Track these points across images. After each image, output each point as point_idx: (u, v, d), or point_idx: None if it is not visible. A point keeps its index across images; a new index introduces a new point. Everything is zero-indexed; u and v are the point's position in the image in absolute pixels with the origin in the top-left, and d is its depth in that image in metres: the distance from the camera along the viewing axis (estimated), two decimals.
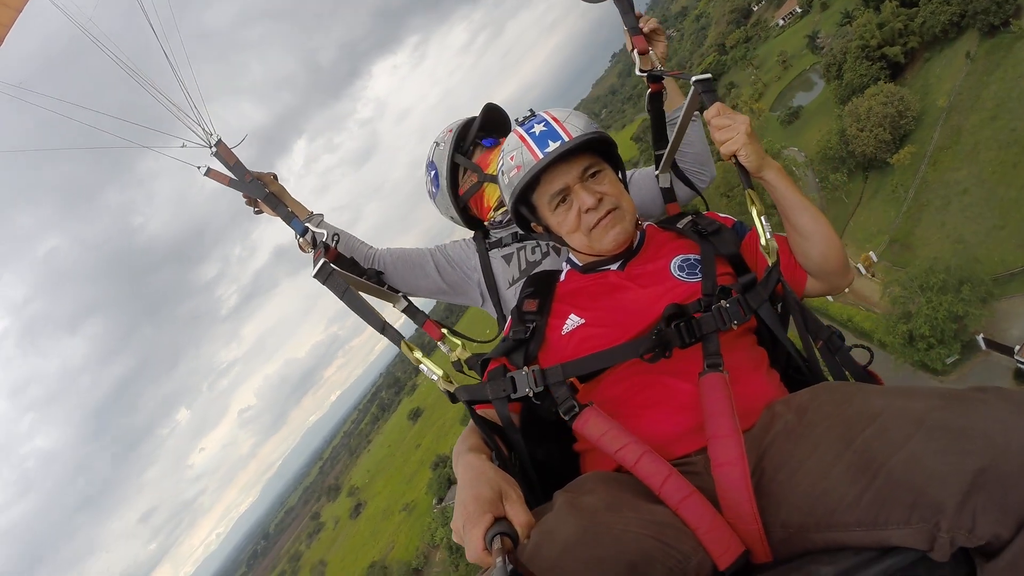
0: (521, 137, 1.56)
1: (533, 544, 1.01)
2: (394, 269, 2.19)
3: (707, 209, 1.86)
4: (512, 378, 1.42)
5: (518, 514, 1.08)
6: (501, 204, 2.13)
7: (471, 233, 2.35)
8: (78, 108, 1.83)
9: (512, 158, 1.58)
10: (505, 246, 2.18)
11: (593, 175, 1.55)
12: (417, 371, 1.63)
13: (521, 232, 2.08)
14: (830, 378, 1.43)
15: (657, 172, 1.96)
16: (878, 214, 47.05)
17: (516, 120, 1.71)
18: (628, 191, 1.67)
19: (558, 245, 1.87)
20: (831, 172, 50.15)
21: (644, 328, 1.40)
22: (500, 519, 1.06)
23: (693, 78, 1.58)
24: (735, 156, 1.48)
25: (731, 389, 1.23)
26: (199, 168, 2.01)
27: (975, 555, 0.97)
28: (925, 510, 0.94)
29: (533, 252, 2.13)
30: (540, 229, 1.68)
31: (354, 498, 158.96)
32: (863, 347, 1.48)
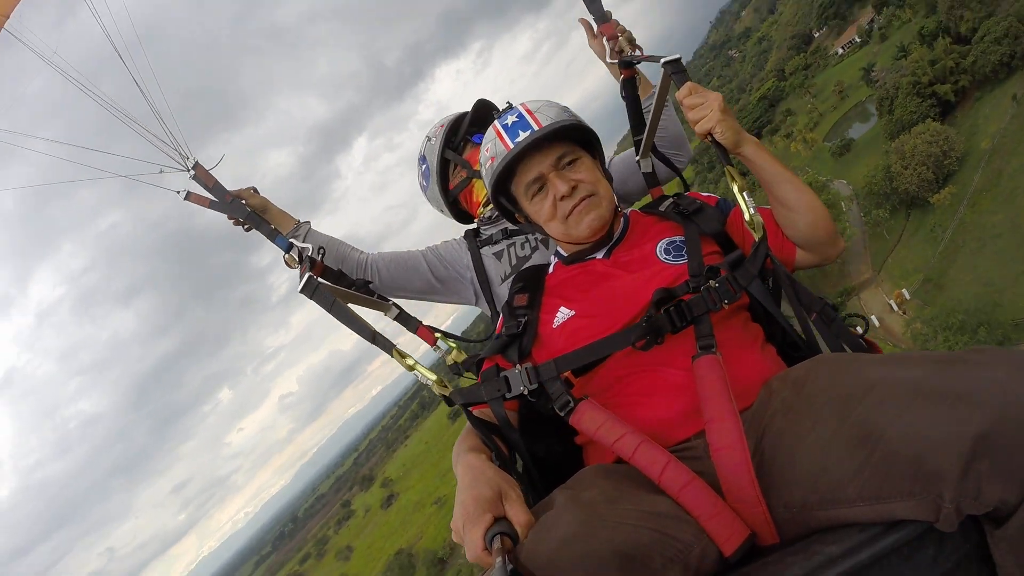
0: (496, 129, 1.59)
1: (530, 542, 1.01)
2: (387, 273, 2.23)
3: (687, 191, 1.91)
4: (506, 377, 1.43)
5: (518, 514, 1.08)
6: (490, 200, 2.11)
7: (463, 231, 2.39)
8: (49, 143, 1.87)
9: (488, 150, 1.63)
10: (496, 243, 2.21)
11: (569, 163, 1.57)
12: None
13: (511, 228, 2.15)
14: (827, 351, 1.41)
15: (637, 158, 2.01)
16: (916, 252, 48.30)
17: (494, 113, 1.78)
18: (610, 173, 1.71)
19: (546, 238, 2.01)
20: (874, 207, 51.49)
21: (634, 315, 1.40)
22: (500, 519, 1.07)
23: (662, 60, 1.62)
24: (711, 134, 1.48)
25: (726, 370, 1.23)
26: (179, 193, 2.03)
27: (984, 522, 0.94)
28: (927, 481, 0.91)
29: (523, 247, 2.16)
30: (523, 220, 1.71)
31: (387, 489, 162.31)
32: (857, 316, 1.48)
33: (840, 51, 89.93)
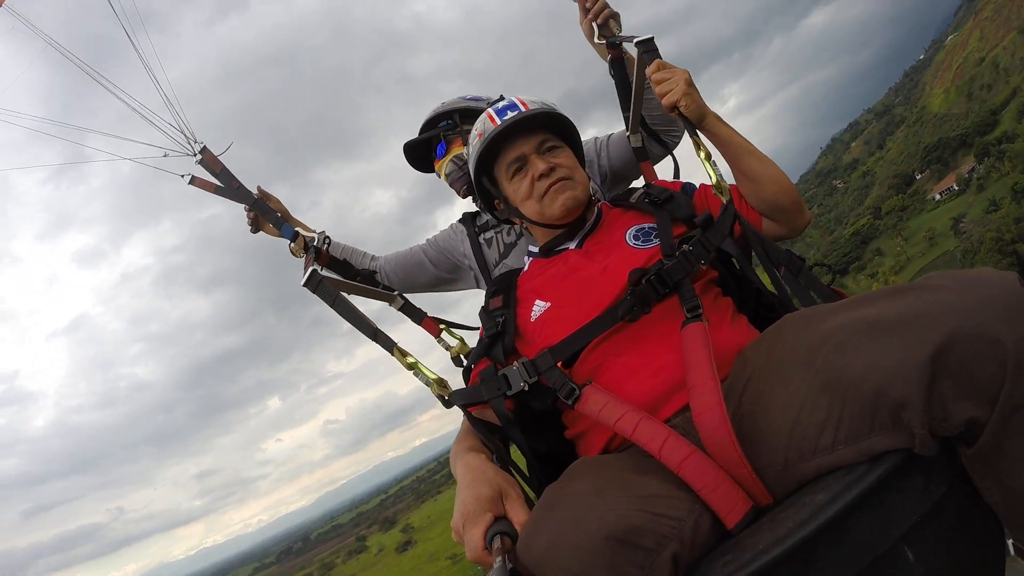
0: (488, 112, 1.69)
1: (523, 539, 1.02)
2: (395, 275, 2.28)
3: (677, 174, 2.02)
4: (505, 375, 1.45)
5: (518, 513, 1.10)
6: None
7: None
8: (57, 125, 1.90)
9: (477, 129, 1.72)
10: (489, 228, 2.25)
11: (549, 149, 1.66)
12: (463, 365, 1.72)
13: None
14: (799, 306, 1.45)
15: (628, 133, 2.06)
16: None
17: (489, 101, 1.86)
18: (587, 167, 1.82)
19: (519, 223, 2.00)
20: None
21: (610, 300, 1.44)
22: (500, 518, 1.08)
23: (635, 39, 1.71)
24: (676, 107, 1.54)
25: (710, 336, 1.26)
26: (183, 177, 2.05)
27: (957, 444, 0.94)
28: (894, 410, 0.92)
29: (509, 234, 2.21)
30: (501, 205, 1.78)
31: (406, 535, 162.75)
32: (823, 266, 1.53)
33: (937, 197, 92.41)
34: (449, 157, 2.24)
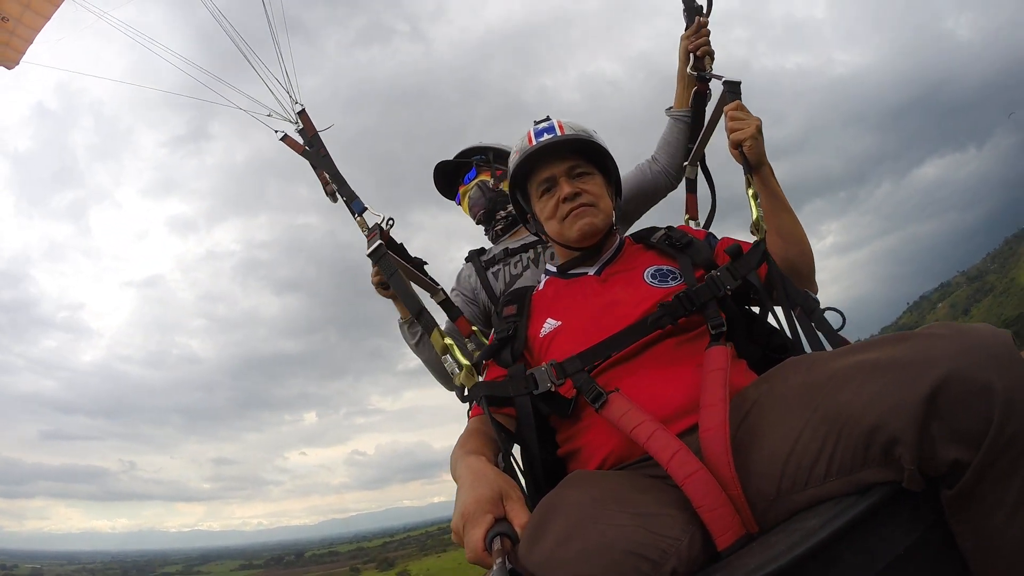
0: (528, 132, 1.81)
1: (525, 541, 1.04)
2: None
3: (710, 221, 2.25)
4: (533, 375, 1.50)
5: (518, 514, 1.12)
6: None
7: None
8: (187, 63, 2.07)
9: (516, 147, 1.84)
10: (496, 262, 2.38)
11: (580, 174, 1.76)
12: (480, 373, 1.75)
13: (510, 247, 2.37)
14: (808, 349, 1.50)
15: (686, 163, 2.29)
16: None
17: (534, 120, 1.92)
18: (621, 204, 1.93)
19: (536, 257, 2.28)
20: None
21: (622, 328, 1.50)
22: (500, 520, 1.10)
23: (724, 79, 1.90)
24: (741, 145, 1.69)
25: (730, 360, 1.32)
26: (276, 133, 2.21)
27: (940, 486, 0.99)
28: (887, 445, 0.97)
29: (515, 267, 2.32)
30: (530, 218, 1.91)
31: None
32: (835, 311, 1.56)
33: None
34: (475, 183, 2.49)
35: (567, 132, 1.76)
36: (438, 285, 2.12)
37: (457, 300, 2.37)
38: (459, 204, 2.61)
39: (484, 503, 1.12)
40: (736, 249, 1.57)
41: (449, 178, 2.59)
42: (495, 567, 0.96)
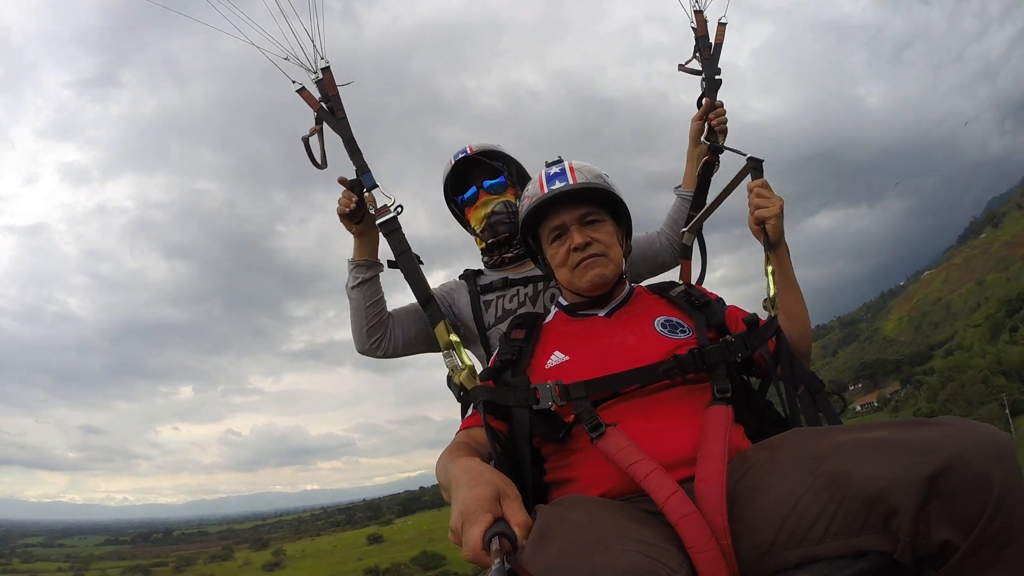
0: (540, 175, 1.84)
1: (531, 546, 1.06)
2: (409, 328, 2.25)
3: (702, 278, 2.30)
4: (536, 389, 1.52)
5: (516, 514, 1.12)
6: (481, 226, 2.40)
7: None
8: None
9: (529, 189, 1.88)
10: (493, 291, 2.33)
11: (591, 222, 1.78)
12: (459, 398, 1.78)
13: (511, 277, 2.33)
14: (804, 424, 1.55)
15: (684, 229, 2.34)
16: None
17: (546, 162, 1.91)
18: (631, 246, 1.95)
19: (535, 295, 2.27)
20: None
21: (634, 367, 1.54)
22: (499, 520, 1.10)
23: (748, 155, 1.93)
24: (764, 223, 1.73)
25: (731, 420, 1.38)
26: (294, 83, 2.13)
27: (926, 566, 1.04)
28: (886, 516, 1.03)
29: (511, 301, 2.29)
30: (541, 260, 1.94)
31: (276, 558, 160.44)
32: (837, 396, 1.64)
33: (858, 408, 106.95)
34: (504, 199, 2.37)
35: (579, 179, 1.77)
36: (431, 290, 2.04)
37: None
38: (464, 204, 2.43)
39: (484, 502, 1.12)
40: (754, 319, 1.62)
41: (462, 175, 2.42)
42: (494, 567, 0.96)
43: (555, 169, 1.83)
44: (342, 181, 2.10)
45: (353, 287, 2.16)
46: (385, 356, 2.24)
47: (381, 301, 2.19)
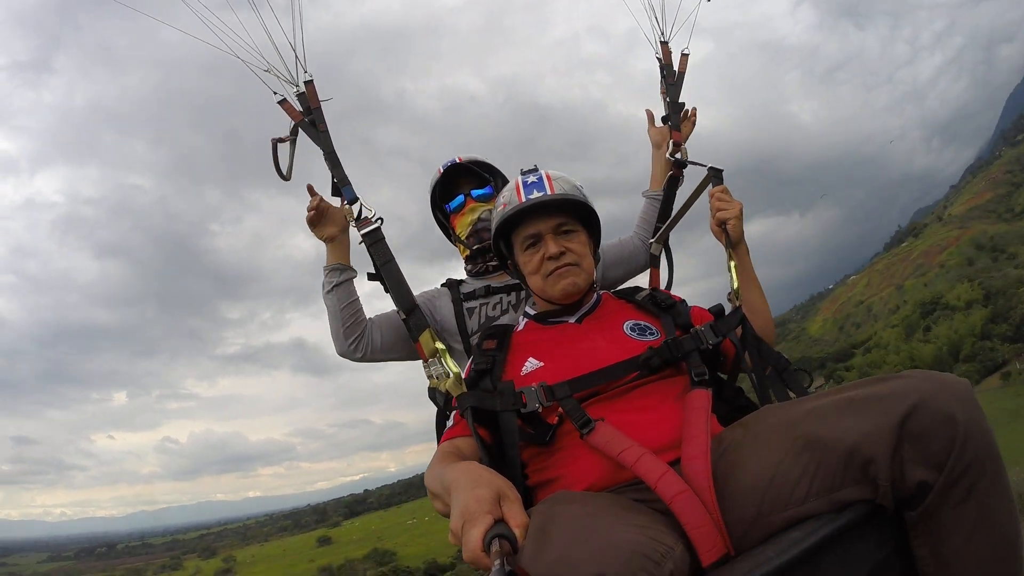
0: (516, 182, 1.87)
1: (531, 545, 1.05)
2: (381, 338, 2.26)
3: (670, 284, 2.42)
4: (521, 392, 1.54)
5: (516, 515, 1.11)
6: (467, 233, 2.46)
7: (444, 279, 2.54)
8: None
9: (504, 196, 1.90)
10: (476, 298, 2.37)
11: (565, 232, 1.83)
12: (439, 406, 1.78)
13: (493, 286, 2.37)
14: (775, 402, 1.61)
15: (652, 240, 2.44)
16: None
17: (521, 169, 1.94)
18: (600, 257, 2.02)
19: (517, 303, 2.32)
20: None
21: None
22: (499, 521, 1.10)
23: (709, 165, 2.11)
24: (725, 224, 1.90)
25: (710, 401, 1.46)
26: (275, 94, 2.10)
27: (904, 510, 1.13)
28: (864, 466, 1.11)
29: (494, 309, 2.33)
30: (512, 267, 1.97)
31: (227, 565, 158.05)
32: (803, 371, 1.69)
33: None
34: (488, 207, 2.40)
35: (557, 190, 1.81)
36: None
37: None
38: (452, 212, 2.49)
39: (484, 503, 1.11)
40: (720, 309, 1.74)
41: (448, 183, 2.48)
42: (494, 569, 0.96)
43: (532, 178, 1.86)
44: (310, 189, 2.18)
45: (328, 292, 2.23)
46: (364, 359, 2.27)
47: (356, 303, 2.25)
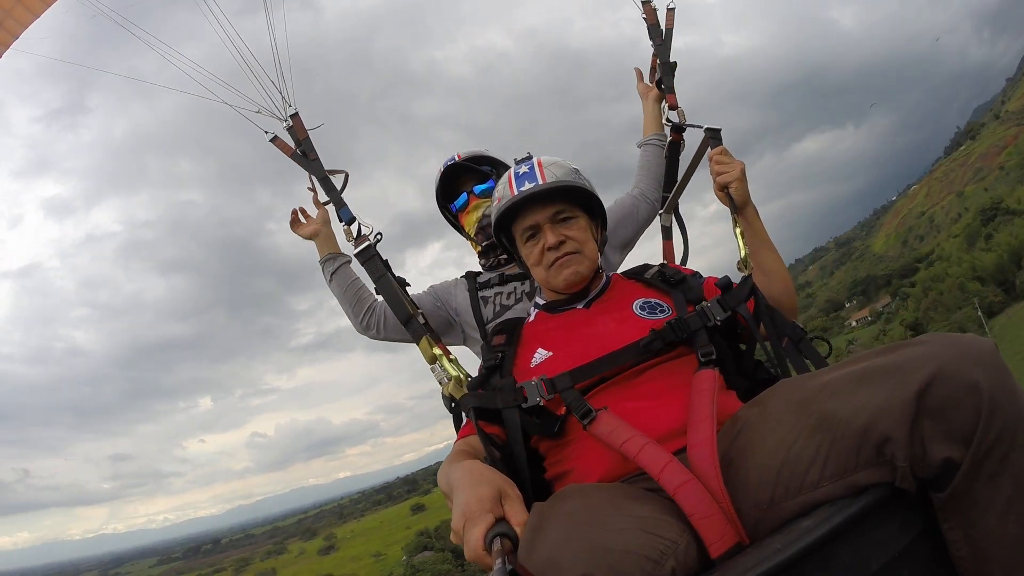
0: (509, 175, 1.83)
1: (526, 541, 1.06)
2: (392, 319, 2.32)
3: (686, 256, 2.36)
4: (522, 388, 1.54)
5: (517, 514, 1.13)
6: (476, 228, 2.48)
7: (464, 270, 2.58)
8: (174, 53, 2.06)
9: (499, 190, 1.87)
10: (491, 287, 2.40)
11: (564, 219, 1.78)
12: (451, 409, 1.75)
13: (507, 274, 2.39)
14: (793, 375, 1.55)
15: (661, 211, 2.39)
16: None
17: (515, 159, 1.93)
18: (606, 237, 1.96)
19: (531, 291, 2.31)
20: None
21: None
22: (500, 520, 1.11)
23: (705, 126, 2.01)
24: (727, 188, 1.81)
25: (719, 383, 1.41)
26: (267, 133, 2.21)
27: (931, 490, 1.04)
28: (879, 445, 1.02)
29: (508, 297, 2.35)
30: (518, 259, 1.93)
31: (329, 542, 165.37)
32: (821, 339, 1.65)
33: (854, 324, 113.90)
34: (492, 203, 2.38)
35: (549, 178, 1.76)
36: (419, 309, 2.11)
37: (425, 298, 2.43)
38: (456, 212, 2.53)
39: (485, 502, 1.13)
40: (726, 282, 1.66)
41: (451, 182, 2.51)
42: (495, 567, 0.97)
43: (524, 168, 1.82)
44: (311, 189, 2.40)
45: (329, 282, 2.40)
46: (381, 336, 2.40)
47: (356, 283, 2.40)
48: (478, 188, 2.47)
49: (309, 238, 2.44)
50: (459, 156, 2.50)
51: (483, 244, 2.48)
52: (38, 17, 2.37)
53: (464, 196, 2.48)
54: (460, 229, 2.60)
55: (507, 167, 2.31)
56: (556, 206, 1.78)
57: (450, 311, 2.44)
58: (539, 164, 1.80)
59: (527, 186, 1.76)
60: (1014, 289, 75.16)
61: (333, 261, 2.40)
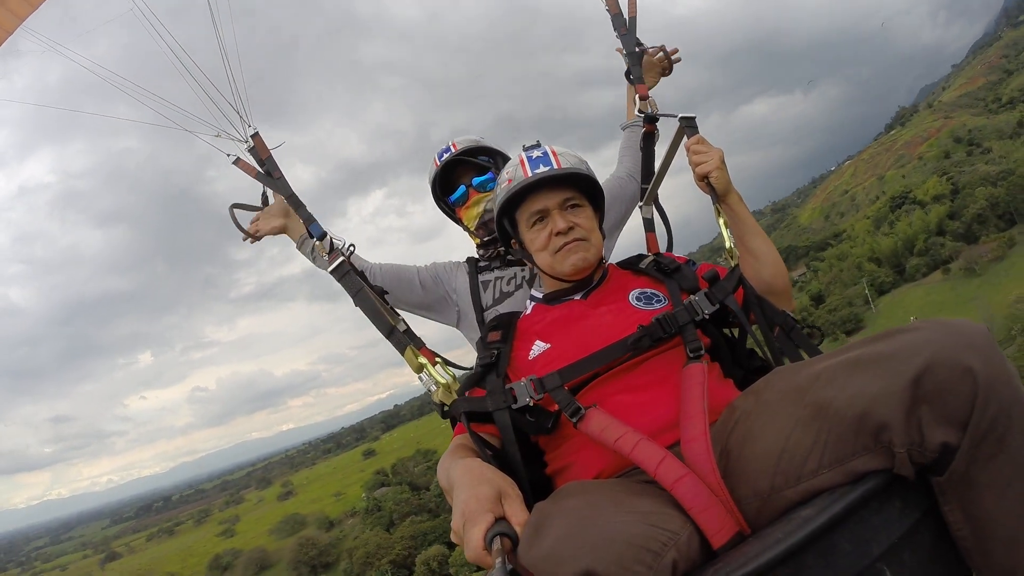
0: (520, 157, 1.84)
1: (525, 539, 1.07)
2: (383, 283, 2.35)
3: (671, 247, 2.29)
4: (511, 389, 1.55)
5: (517, 513, 1.14)
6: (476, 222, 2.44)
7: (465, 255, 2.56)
8: (129, 82, 2.08)
9: (508, 172, 1.86)
10: (490, 271, 2.40)
11: (572, 207, 1.81)
12: (444, 414, 1.76)
13: (508, 258, 2.37)
14: (787, 363, 1.58)
15: (641, 203, 2.37)
16: None
17: (524, 145, 1.91)
18: (605, 231, 1.98)
19: (532, 278, 2.29)
20: None
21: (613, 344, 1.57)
22: (500, 519, 1.13)
23: (679, 115, 1.97)
24: (707, 177, 1.80)
25: (709, 377, 1.43)
26: (228, 156, 2.21)
27: (930, 475, 1.06)
28: (876, 432, 1.05)
29: (508, 283, 2.34)
30: (516, 245, 1.95)
31: (286, 489, 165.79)
32: (814, 328, 1.67)
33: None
34: (492, 196, 2.32)
35: (563, 164, 1.79)
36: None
37: (426, 272, 2.48)
38: (454, 204, 2.48)
39: (485, 501, 1.14)
40: (713, 275, 1.67)
41: (447, 174, 2.46)
42: (496, 567, 0.98)
43: (537, 152, 1.84)
44: (264, 198, 2.42)
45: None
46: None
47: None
48: (476, 180, 2.41)
49: (278, 233, 2.44)
50: (455, 146, 2.44)
51: (484, 239, 2.45)
52: (23, 21, 2.36)
53: (462, 188, 2.43)
54: (458, 221, 2.57)
55: (506, 157, 2.43)
56: (566, 192, 1.82)
57: (448, 289, 2.46)
58: (552, 151, 1.83)
59: (542, 169, 1.78)
60: (904, 272, 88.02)
61: (306, 240, 2.40)
